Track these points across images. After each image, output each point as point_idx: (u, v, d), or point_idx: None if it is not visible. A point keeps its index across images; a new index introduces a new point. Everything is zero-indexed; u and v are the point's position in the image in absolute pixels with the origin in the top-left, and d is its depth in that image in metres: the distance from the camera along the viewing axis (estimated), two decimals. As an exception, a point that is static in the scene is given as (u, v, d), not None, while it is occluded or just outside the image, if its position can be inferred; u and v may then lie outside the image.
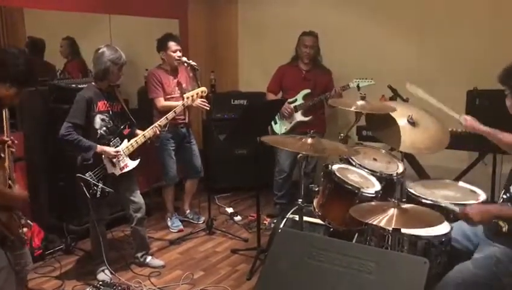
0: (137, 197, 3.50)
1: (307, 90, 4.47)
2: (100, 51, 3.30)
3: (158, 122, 3.51)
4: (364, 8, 4.79)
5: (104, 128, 3.32)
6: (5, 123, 2.41)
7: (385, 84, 4.11)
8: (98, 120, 3.29)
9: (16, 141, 2.47)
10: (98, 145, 3.24)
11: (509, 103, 2.43)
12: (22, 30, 4.15)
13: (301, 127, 4.38)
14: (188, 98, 3.70)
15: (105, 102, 3.33)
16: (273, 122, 4.53)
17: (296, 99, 4.49)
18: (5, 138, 2.40)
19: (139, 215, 3.51)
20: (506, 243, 2.24)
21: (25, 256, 2.49)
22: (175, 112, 3.64)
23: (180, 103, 3.76)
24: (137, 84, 4.94)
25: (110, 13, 4.71)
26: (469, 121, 2.84)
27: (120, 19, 4.79)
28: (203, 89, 3.80)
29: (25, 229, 2.41)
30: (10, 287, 2.31)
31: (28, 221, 2.50)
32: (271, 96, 4.61)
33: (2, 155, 2.36)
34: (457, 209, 2.38)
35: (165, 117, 3.57)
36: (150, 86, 4.14)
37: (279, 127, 4.54)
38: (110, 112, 3.35)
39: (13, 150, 2.44)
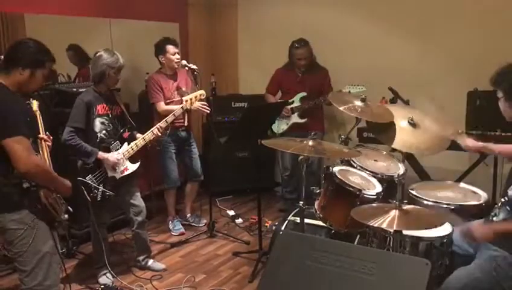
0: (138, 201, 3.51)
1: (303, 94, 4.59)
2: (98, 54, 3.33)
3: (158, 125, 3.52)
4: (364, 11, 4.79)
5: (104, 131, 3.32)
6: (39, 121, 2.53)
7: (385, 87, 4.11)
8: (97, 123, 3.29)
9: (51, 137, 2.59)
10: (100, 152, 3.25)
11: (502, 106, 2.42)
12: (22, 35, 4.16)
13: (298, 127, 4.55)
14: (186, 101, 3.70)
15: (105, 105, 3.34)
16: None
17: (293, 102, 4.62)
18: (42, 135, 2.52)
19: (139, 218, 3.51)
20: (506, 248, 2.23)
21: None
22: (174, 115, 3.65)
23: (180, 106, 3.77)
24: (138, 88, 4.94)
25: (110, 17, 4.72)
26: (470, 143, 2.85)
27: (120, 23, 4.80)
28: (202, 92, 3.80)
29: (66, 216, 2.52)
30: (54, 274, 2.43)
31: (69, 208, 2.59)
32: (270, 97, 4.79)
33: (41, 151, 2.48)
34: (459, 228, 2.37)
35: (164, 120, 3.58)
36: (151, 91, 4.14)
37: (277, 127, 4.69)
38: (110, 116, 3.36)
39: (49, 144, 2.56)
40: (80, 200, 3.21)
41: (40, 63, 2.44)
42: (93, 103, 3.28)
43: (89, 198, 3.20)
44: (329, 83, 4.61)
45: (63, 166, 2.83)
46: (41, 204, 2.35)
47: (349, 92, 4.29)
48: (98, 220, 3.32)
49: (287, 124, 4.64)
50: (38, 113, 2.57)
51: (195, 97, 3.74)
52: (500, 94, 2.40)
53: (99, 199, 3.25)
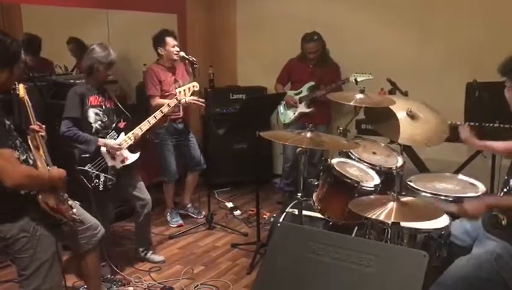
0: (143, 193, 3.49)
1: (312, 83, 4.64)
2: (91, 47, 3.34)
3: (153, 115, 3.50)
4: (363, 1, 4.77)
5: (99, 122, 3.31)
6: (28, 109, 2.43)
7: (384, 78, 4.10)
8: (91, 114, 3.28)
9: (43, 125, 2.51)
10: (100, 139, 3.24)
11: (508, 94, 2.40)
12: (19, 26, 4.14)
13: (305, 118, 4.61)
14: (180, 92, 3.69)
15: (97, 97, 3.33)
16: (279, 113, 4.82)
17: (301, 91, 4.70)
18: (33, 126, 2.44)
19: (145, 211, 3.50)
20: (506, 238, 2.24)
21: (88, 230, 2.64)
22: (169, 106, 3.63)
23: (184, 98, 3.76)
24: (136, 79, 4.93)
25: (107, 8, 4.69)
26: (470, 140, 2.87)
27: (118, 14, 4.77)
28: (195, 83, 3.79)
29: (74, 210, 2.47)
30: (53, 279, 2.39)
31: (76, 201, 2.57)
32: (279, 88, 4.85)
33: (34, 143, 2.39)
34: (453, 207, 2.37)
35: (159, 110, 3.55)
36: (148, 83, 4.11)
37: (284, 116, 4.79)
38: (103, 107, 3.35)
39: (43, 134, 2.48)
40: (82, 192, 3.18)
41: (16, 57, 2.28)
42: (86, 94, 3.28)
43: (90, 187, 3.18)
44: (339, 79, 4.57)
45: (62, 157, 2.83)
46: (42, 210, 2.26)
47: (356, 80, 4.31)
48: (100, 212, 3.28)
49: (294, 113, 4.71)
50: (26, 100, 2.42)
51: (188, 89, 3.73)
52: (508, 83, 2.36)
53: (101, 188, 3.24)
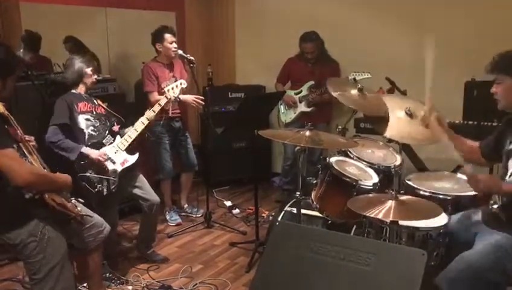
0: (148, 194, 3.47)
1: (311, 82, 4.65)
2: (69, 59, 3.39)
3: (145, 116, 3.48)
4: (362, 0, 4.77)
5: (92, 127, 3.28)
6: (13, 124, 2.35)
7: (383, 77, 4.09)
8: (82, 120, 3.25)
9: (32, 137, 2.50)
10: (84, 147, 3.18)
11: (507, 90, 2.37)
12: (18, 24, 4.12)
13: (305, 117, 4.57)
14: (168, 90, 3.69)
15: (86, 103, 3.32)
16: (280, 112, 4.83)
17: (301, 91, 4.71)
18: (26, 137, 2.40)
19: (153, 211, 3.49)
20: (507, 230, 2.26)
21: (93, 227, 2.62)
22: (160, 104, 3.60)
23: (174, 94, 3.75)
24: (134, 77, 4.91)
25: (106, 6, 4.69)
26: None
27: (116, 12, 4.77)
28: (182, 81, 3.78)
29: (79, 208, 2.48)
30: (65, 280, 2.36)
31: (78, 199, 2.58)
32: (279, 87, 4.87)
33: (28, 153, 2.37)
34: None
35: (151, 110, 3.53)
36: (145, 80, 4.11)
37: (285, 116, 4.80)
38: (93, 112, 3.33)
39: (33, 144, 2.47)
40: (83, 195, 3.16)
41: (11, 70, 2.26)
42: (74, 101, 3.27)
43: (94, 192, 3.15)
44: (338, 76, 4.60)
45: (61, 165, 2.82)
46: (50, 208, 2.25)
47: (354, 79, 4.26)
48: (106, 218, 3.26)
49: (295, 113, 4.72)
50: (7, 114, 2.30)
51: (176, 86, 3.72)
52: (501, 79, 2.34)
53: (105, 192, 3.21)
